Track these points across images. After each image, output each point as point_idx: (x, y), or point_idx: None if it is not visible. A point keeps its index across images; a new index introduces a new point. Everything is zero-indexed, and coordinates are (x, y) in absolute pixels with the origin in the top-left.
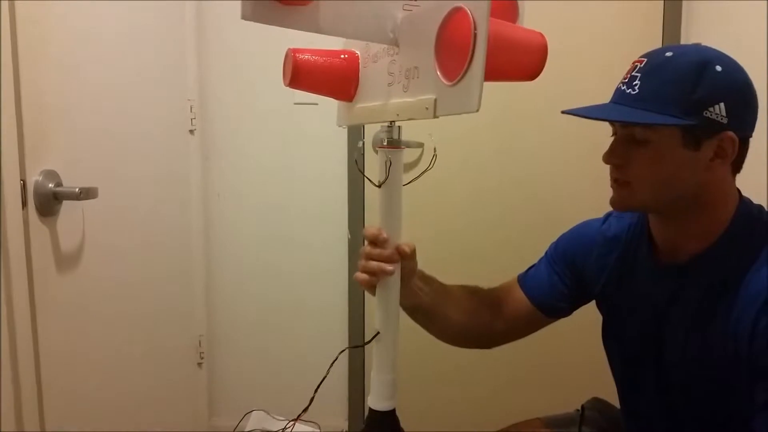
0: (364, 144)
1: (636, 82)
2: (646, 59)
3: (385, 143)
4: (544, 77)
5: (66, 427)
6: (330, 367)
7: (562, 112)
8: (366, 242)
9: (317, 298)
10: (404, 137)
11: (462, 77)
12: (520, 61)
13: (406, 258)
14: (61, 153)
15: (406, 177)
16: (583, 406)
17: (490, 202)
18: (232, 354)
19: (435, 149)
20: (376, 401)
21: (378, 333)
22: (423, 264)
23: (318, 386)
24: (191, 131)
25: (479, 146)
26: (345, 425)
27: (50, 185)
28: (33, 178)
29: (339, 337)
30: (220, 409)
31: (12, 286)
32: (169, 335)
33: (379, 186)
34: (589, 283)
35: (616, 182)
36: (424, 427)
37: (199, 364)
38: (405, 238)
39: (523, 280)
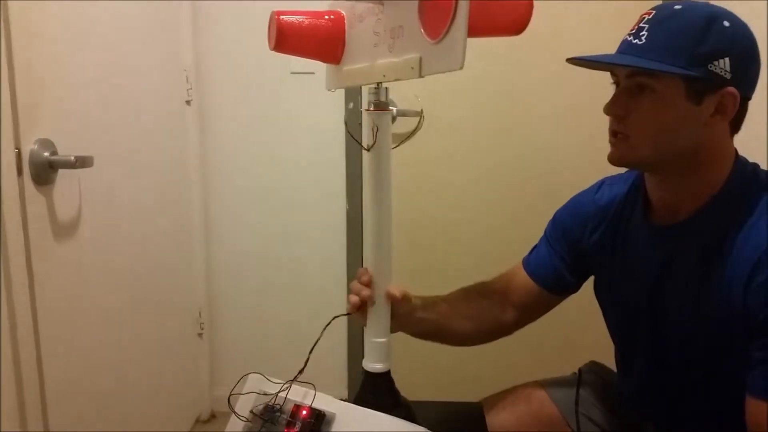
0: (360, 105)
1: (643, 32)
2: (654, 11)
3: (371, 107)
4: (543, 50)
5: (66, 396)
6: (323, 330)
7: (568, 60)
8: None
9: (317, 266)
10: (402, 106)
11: (445, 34)
12: (505, 15)
13: (396, 303)
14: (56, 122)
15: (406, 145)
16: (580, 369)
17: (490, 179)
18: (233, 324)
19: (422, 111)
20: (370, 363)
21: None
22: (425, 245)
23: (312, 348)
24: (188, 102)
25: (478, 120)
26: (345, 392)
27: (46, 154)
28: (28, 146)
29: (339, 303)
30: (222, 379)
31: (9, 253)
32: (168, 307)
33: (368, 150)
34: (588, 254)
35: (615, 136)
36: (417, 394)
37: (200, 334)
38: (403, 218)
39: (527, 262)
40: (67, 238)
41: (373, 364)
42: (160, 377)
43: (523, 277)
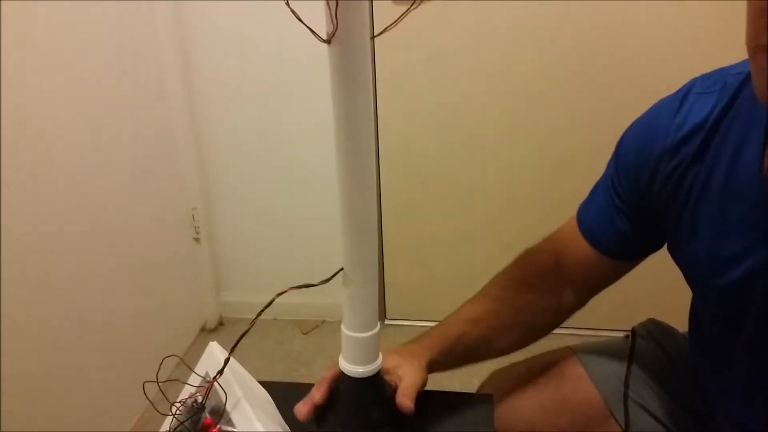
0: None
1: None
2: None
3: None
4: None
5: (53, 319)
6: (267, 305)
7: None
8: None
9: (320, 156)
10: None
11: None
12: None
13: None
14: None
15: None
16: (633, 331)
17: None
18: (234, 225)
19: None
20: (350, 365)
21: (342, 269)
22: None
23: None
24: None
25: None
26: None
27: None
28: None
29: None
30: (229, 284)
31: None
32: (152, 214)
33: (327, 42)
34: (661, 205)
35: None
36: None
37: (196, 239)
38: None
39: (582, 221)
40: None
41: (353, 366)
42: (158, 290)
43: (580, 245)
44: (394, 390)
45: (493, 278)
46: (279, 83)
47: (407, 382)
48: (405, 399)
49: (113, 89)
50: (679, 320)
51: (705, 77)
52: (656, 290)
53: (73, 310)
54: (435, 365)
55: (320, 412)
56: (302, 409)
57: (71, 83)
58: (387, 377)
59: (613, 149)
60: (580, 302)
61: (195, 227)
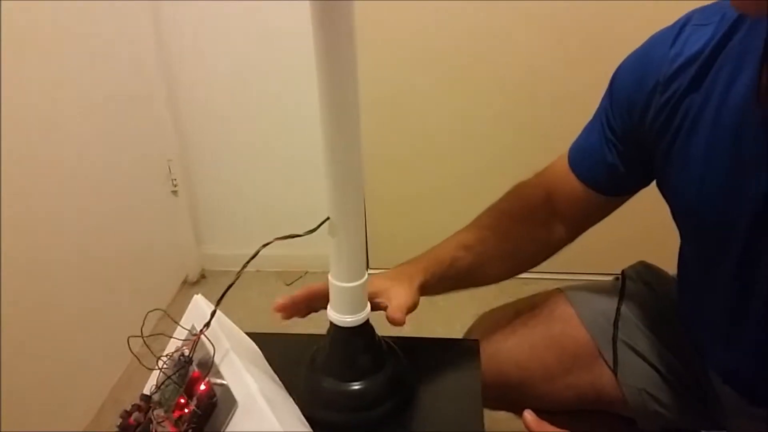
0: None
1: None
2: None
3: None
4: None
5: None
6: (252, 257)
7: None
8: None
9: (300, 102)
10: None
11: None
12: None
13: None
14: None
15: None
16: (624, 274)
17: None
18: (213, 177)
19: None
20: (338, 315)
21: (327, 219)
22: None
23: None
24: None
25: None
26: None
27: None
28: None
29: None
30: (209, 236)
31: None
32: (127, 167)
33: None
34: (653, 136)
35: None
36: None
37: (174, 192)
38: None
39: (574, 158)
40: None
41: (341, 316)
42: (134, 244)
43: (569, 179)
44: (384, 308)
45: (485, 210)
46: (255, 25)
47: (398, 301)
48: (396, 313)
49: (87, 40)
50: (669, 265)
51: (702, 9)
52: (646, 234)
53: (50, 265)
54: (426, 288)
55: (310, 361)
56: (280, 301)
57: (47, 34)
58: (377, 299)
59: (605, 91)
60: (570, 236)
61: (172, 180)
